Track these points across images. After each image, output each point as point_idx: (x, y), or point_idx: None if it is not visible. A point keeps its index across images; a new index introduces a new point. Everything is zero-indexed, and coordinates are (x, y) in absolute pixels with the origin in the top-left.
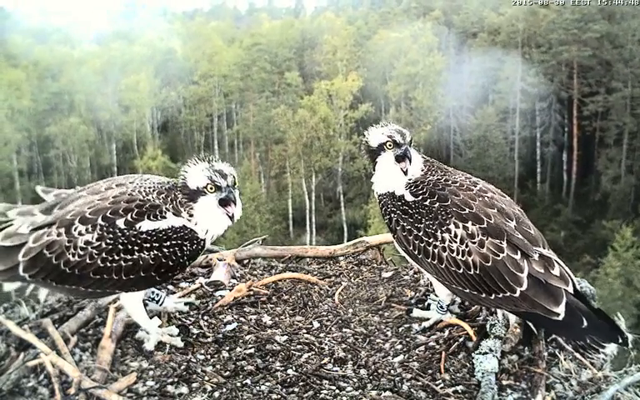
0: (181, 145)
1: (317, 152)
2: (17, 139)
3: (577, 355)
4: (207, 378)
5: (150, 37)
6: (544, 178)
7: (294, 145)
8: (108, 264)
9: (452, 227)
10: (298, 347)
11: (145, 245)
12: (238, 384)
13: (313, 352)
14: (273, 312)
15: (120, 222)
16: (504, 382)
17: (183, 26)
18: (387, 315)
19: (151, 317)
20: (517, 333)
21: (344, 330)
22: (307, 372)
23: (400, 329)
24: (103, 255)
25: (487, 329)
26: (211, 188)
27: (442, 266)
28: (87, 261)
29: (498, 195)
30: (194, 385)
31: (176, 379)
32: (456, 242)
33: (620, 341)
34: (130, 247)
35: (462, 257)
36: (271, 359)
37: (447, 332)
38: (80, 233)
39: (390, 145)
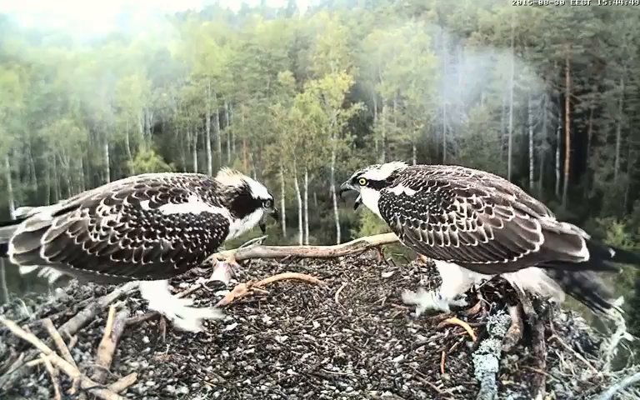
0: (174, 146)
1: (310, 152)
2: (9, 141)
3: (577, 355)
4: (207, 378)
5: (143, 38)
6: (537, 176)
7: (287, 144)
8: (129, 247)
9: (456, 203)
10: (298, 347)
11: (167, 229)
12: (238, 384)
13: (313, 352)
14: (273, 312)
15: (144, 204)
16: (504, 382)
17: (176, 27)
18: (387, 315)
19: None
20: (517, 333)
21: (344, 330)
22: (307, 372)
23: (400, 329)
24: (125, 237)
25: (487, 329)
26: (267, 204)
27: (457, 246)
28: (109, 242)
29: (493, 177)
30: (194, 385)
31: (176, 379)
32: (463, 216)
33: None
34: (152, 229)
35: (474, 228)
36: (271, 359)
37: (447, 332)
38: (104, 214)
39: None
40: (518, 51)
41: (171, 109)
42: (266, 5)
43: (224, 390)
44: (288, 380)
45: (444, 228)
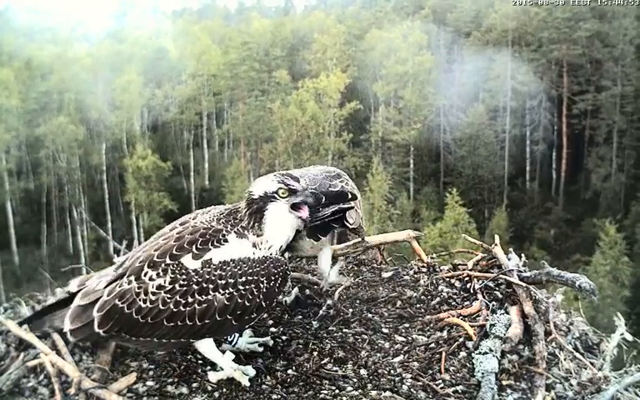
0: (171, 144)
1: (307, 151)
2: (6, 139)
3: (577, 355)
4: (207, 378)
5: (140, 36)
6: (534, 177)
7: (284, 143)
8: (182, 308)
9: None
10: (298, 347)
11: (220, 282)
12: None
13: (313, 352)
14: (273, 313)
15: (188, 259)
16: (504, 382)
17: (173, 25)
18: (387, 315)
19: (223, 352)
20: (517, 333)
21: (344, 330)
22: (307, 372)
23: (400, 329)
24: (177, 298)
25: (487, 329)
26: (283, 193)
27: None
28: (160, 307)
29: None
30: (194, 385)
31: (176, 379)
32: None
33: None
34: (204, 285)
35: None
36: (271, 359)
37: (446, 332)
38: (151, 278)
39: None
40: (516, 51)
41: (167, 107)
42: (262, 4)
43: (224, 390)
44: (288, 380)
45: None
